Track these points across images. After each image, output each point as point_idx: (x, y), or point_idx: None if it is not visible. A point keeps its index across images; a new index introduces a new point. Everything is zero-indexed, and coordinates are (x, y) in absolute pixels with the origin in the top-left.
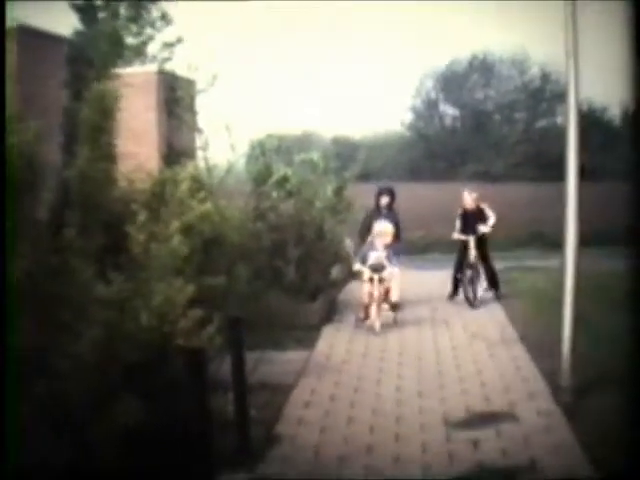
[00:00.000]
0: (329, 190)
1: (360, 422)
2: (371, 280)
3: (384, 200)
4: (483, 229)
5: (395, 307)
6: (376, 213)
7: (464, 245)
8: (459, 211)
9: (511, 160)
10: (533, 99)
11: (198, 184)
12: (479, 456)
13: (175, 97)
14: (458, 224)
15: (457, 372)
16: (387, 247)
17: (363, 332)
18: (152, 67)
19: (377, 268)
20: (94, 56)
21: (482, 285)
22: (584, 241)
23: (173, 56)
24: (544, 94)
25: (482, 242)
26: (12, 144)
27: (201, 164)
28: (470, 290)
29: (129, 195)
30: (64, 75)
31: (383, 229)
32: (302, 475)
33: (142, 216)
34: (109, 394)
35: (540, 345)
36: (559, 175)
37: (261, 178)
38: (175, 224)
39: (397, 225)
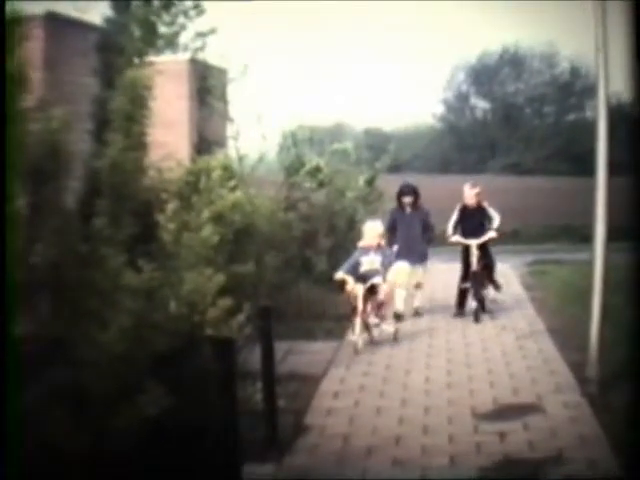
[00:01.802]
0: (361, 180)
1: (389, 413)
2: (357, 290)
3: (407, 199)
4: (490, 235)
5: (399, 317)
6: (399, 213)
7: (464, 250)
8: (457, 206)
9: (541, 153)
10: (563, 93)
11: (229, 173)
12: (506, 448)
13: (207, 86)
14: (454, 221)
15: (485, 364)
16: (381, 250)
17: (393, 322)
18: (184, 56)
19: (370, 277)
20: (126, 44)
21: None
22: (613, 234)
23: (205, 46)
24: (573, 88)
25: (484, 245)
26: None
27: (232, 153)
28: (474, 303)
29: (159, 184)
30: (93, 63)
31: (371, 228)
32: (330, 465)
33: (173, 205)
34: (136, 383)
35: (567, 337)
36: (588, 169)
37: (293, 168)
38: (206, 213)
39: (427, 225)
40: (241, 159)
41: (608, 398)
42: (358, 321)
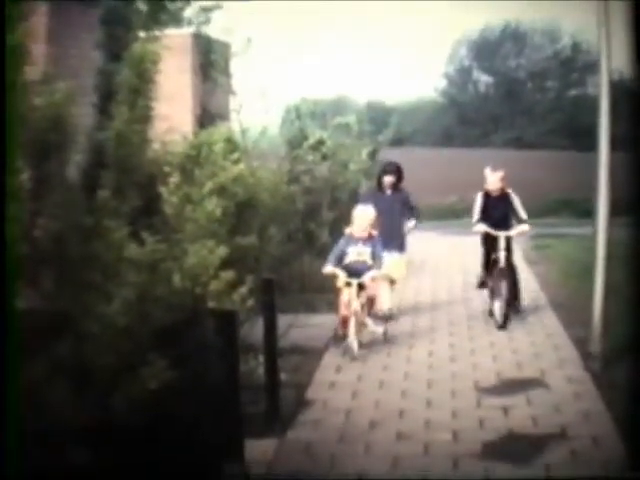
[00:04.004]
0: (363, 154)
1: (392, 387)
2: (348, 286)
3: (389, 179)
4: (523, 227)
5: (388, 318)
6: (377, 195)
7: (489, 241)
8: (479, 193)
9: (543, 127)
10: (564, 68)
11: (232, 145)
12: (509, 423)
13: (210, 60)
14: (477, 210)
15: (488, 338)
16: (371, 240)
17: (395, 295)
18: (187, 30)
19: (357, 269)
20: (131, 18)
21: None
22: (615, 209)
23: (210, 21)
24: (575, 64)
25: (508, 241)
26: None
27: (235, 127)
28: (497, 304)
29: (163, 157)
30: (98, 37)
31: (362, 215)
32: (333, 440)
33: (176, 178)
34: (139, 357)
35: (571, 312)
36: (590, 144)
37: (296, 141)
38: (209, 186)
39: (412, 207)
40: (244, 132)
41: (611, 373)
42: (353, 321)
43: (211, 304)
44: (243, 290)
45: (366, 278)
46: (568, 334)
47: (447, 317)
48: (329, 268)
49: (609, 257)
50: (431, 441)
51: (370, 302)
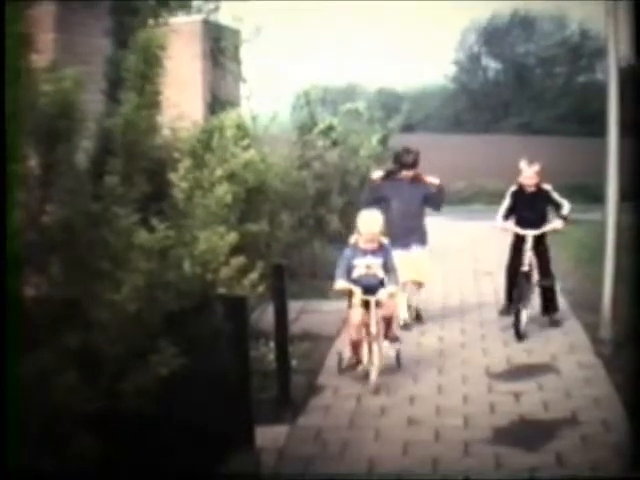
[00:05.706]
0: (374, 139)
1: (403, 372)
2: (365, 304)
3: (406, 174)
4: (556, 224)
5: (418, 317)
6: (393, 184)
7: (517, 242)
8: (512, 188)
9: (552, 113)
10: (573, 54)
11: (242, 131)
12: (520, 408)
13: (220, 46)
14: (505, 206)
15: (499, 323)
16: (381, 249)
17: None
18: (197, 17)
19: (368, 284)
20: (140, 5)
21: (530, 306)
22: (625, 195)
23: (219, 8)
24: (583, 50)
25: (540, 238)
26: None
27: (245, 113)
28: (517, 311)
29: (173, 143)
30: (107, 24)
31: (369, 221)
32: (344, 426)
33: (186, 163)
34: (148, 344)
35: (581, 297)
36: (599, 129)
37: (306, 127)
38: (219, 171)
39: (438, 195)
40: (254, 118)
41: (622, 358)
42: (376, 347)
43: (221, 290)
44: (253, 276)
45: (382, 295)
46: (578, 319)
47: (458, 303)
48: (341, 283)
49: (619, 242)
50: (442, 427)
51: (387, 323)
